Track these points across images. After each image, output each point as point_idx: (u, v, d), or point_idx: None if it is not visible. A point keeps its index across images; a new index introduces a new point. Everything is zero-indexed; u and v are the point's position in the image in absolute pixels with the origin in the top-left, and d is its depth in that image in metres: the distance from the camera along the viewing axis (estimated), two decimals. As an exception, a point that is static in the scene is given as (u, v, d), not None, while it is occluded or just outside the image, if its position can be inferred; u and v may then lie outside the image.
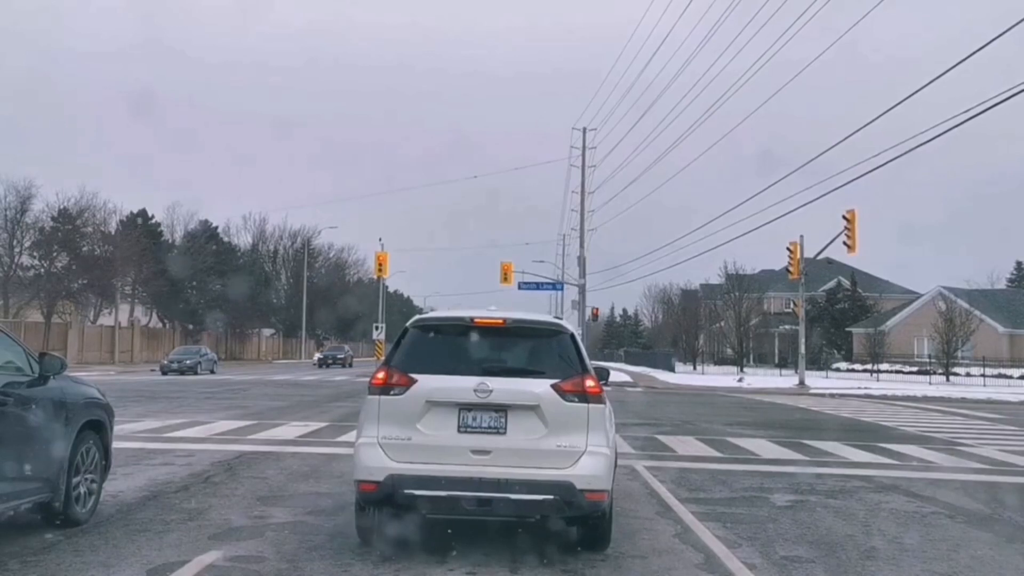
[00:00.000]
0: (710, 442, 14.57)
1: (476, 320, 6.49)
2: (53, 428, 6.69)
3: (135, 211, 63.07)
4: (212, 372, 43.06)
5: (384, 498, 6.08)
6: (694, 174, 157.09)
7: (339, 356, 60.48)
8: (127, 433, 13.04)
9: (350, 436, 10.48)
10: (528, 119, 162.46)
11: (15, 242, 51.61)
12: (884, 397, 32.09)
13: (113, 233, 59.36)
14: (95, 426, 7.42)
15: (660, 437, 15.19)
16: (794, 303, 42.64)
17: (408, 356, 6.39)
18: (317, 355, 62.46)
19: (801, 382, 38.12)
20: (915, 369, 50.12)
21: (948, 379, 45.12)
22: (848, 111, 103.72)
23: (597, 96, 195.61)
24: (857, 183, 34.40)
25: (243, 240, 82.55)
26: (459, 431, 6.12)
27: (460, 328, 6.57)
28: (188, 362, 42.07)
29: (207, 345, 58.76)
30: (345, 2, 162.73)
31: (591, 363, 6.68)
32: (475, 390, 6.10)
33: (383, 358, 6.90)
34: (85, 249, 55.01)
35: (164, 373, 40.65)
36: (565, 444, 6.09)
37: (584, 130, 50.67)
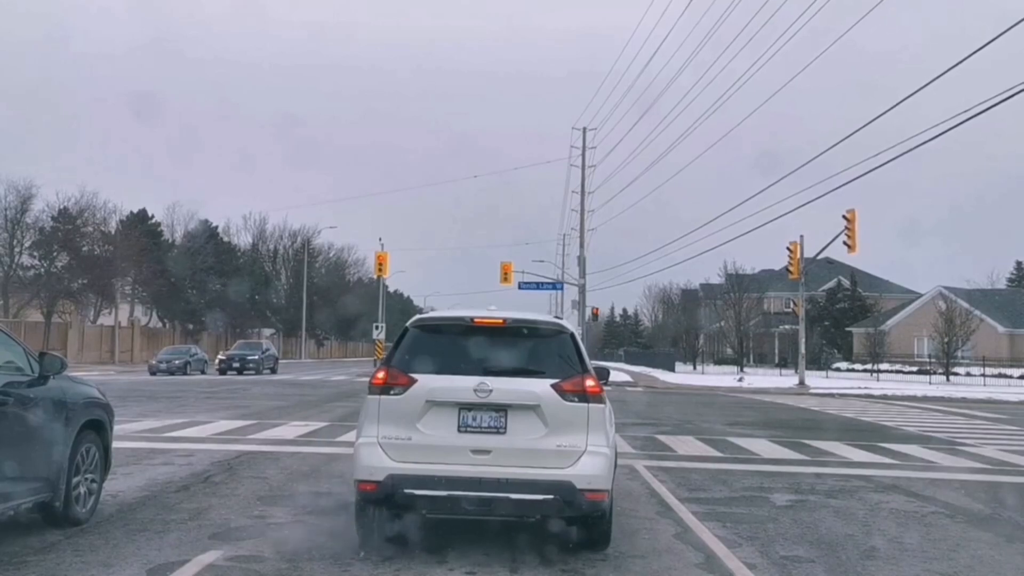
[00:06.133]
0: (710, 442, 14.57)
1: (476, 320, 6.49)
2: (53, 428, 6.69)
3: (135, 211, 63.13)
4: (202, 372, 42.07)
5: (384, 498, 6.08)
6: (694, 174, 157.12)
7: (250, 358, 42.22)
8: (127, 433, 13.04)
9: (350, 436, 10.48)
10: (528, 119, 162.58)
11: (15, 242, 51.68)
12: (884, 397, 32.08)
13: (113, 233, 59.44)
14: (95, 426, 7.41)
15: (660, 437, 15.19)
16: (794, 303, 42.62)
17: (408, 356, 6.39)
18: (220, 356, 44.99)
19: (801, 382, 38.11)
20: (915, 369, 50.09)
21: (948, 379, 45.11)
22: (848, 111, 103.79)
23: (597, 96, 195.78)
24: (857, 183, 34.41)
25: (243, 240, 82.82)
26: (459, 431, 6.12)
27: (460, 328, 6.57)
28: (177, 362, 40.74)
29: (206, 345, 58.77)
30: (346, 2, 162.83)
31: (591, 363, 6.68)
32: (475, 390, 6.10)
33: (383, 358, 6.90)
34: (85, 249, 55.05)
35: (152, 373, 39.29)
36: (565, 444, 6.09)
37: (584, 130, 50.72)
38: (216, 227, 73.83)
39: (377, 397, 6.25)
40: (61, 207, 54.50)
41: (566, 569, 6.07)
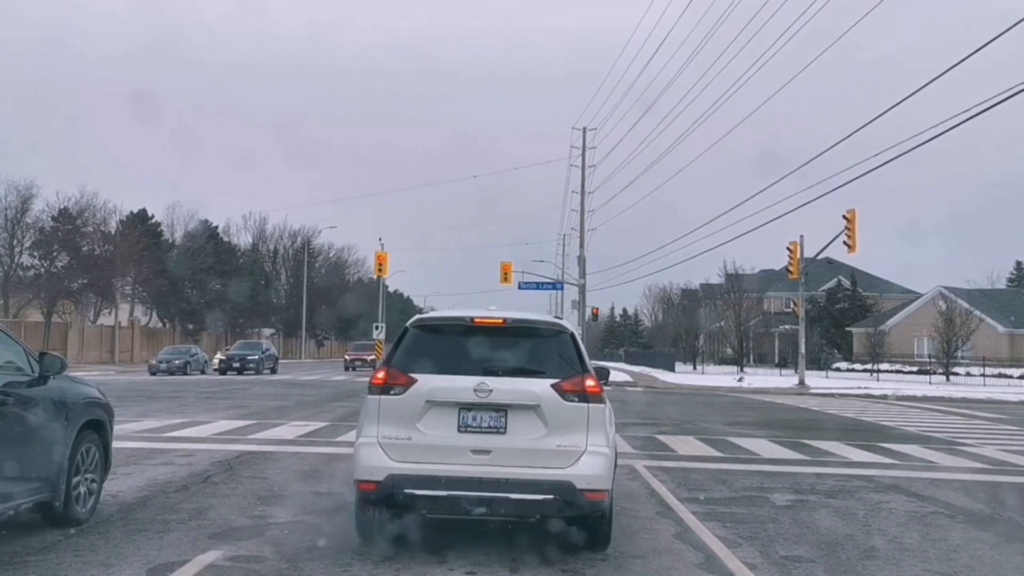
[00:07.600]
0: (710, 442, 14.57)
1: (476, 320, 6.49)
2: (53, 428, 6.69)
3: (135, 211, 63.12)
4: (202, 372, 42.10)
5: (384, 498, 6.08)
6: (694, 174, 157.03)
7: (250, 358, 42.25)
8: (127, 433, 13.04)
9: (350, 436, 10.48)
10: (528, 119, 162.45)
11: (15, 242, 51.70)
12: (884, 397, 32.08)
13: (113, 233, 59.42)
14: (95, 426, 7.41)
15: (660, 437, 15.19)
16: (794, 303, 42.59)
17: (408, 356, 6.39)
18: (219, 355, 45.25)
19: (801, 382, 38.11)
20: (915, 369, 50.10)
21: (948, 379, 45.10)
22: (848, 111, 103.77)
23: (597, 96, 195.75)
24: (857, 183, 34.37)
25: (243, 240, 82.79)
26: (459, 431, 6.12)
27: (460, 328, 6.57)
28: (177, 362, 40.70)
29: (206, 345, 58.74)
30: (346, 2, 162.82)
31: (591, 363, 6.68)
32: (475, 390, 6.10)
33: (383, 358, 6.90)
34: (85, 249, 55.08)
35: (152, 373, 39.26)
36: (565, 444, 6.09)
37: (584, 130, 50.68)
38: (216, 227, 73.86)
39: (377, 397, 6.25)
40: (61, 207, 54.59)
41: (566, 569, 6.07)
